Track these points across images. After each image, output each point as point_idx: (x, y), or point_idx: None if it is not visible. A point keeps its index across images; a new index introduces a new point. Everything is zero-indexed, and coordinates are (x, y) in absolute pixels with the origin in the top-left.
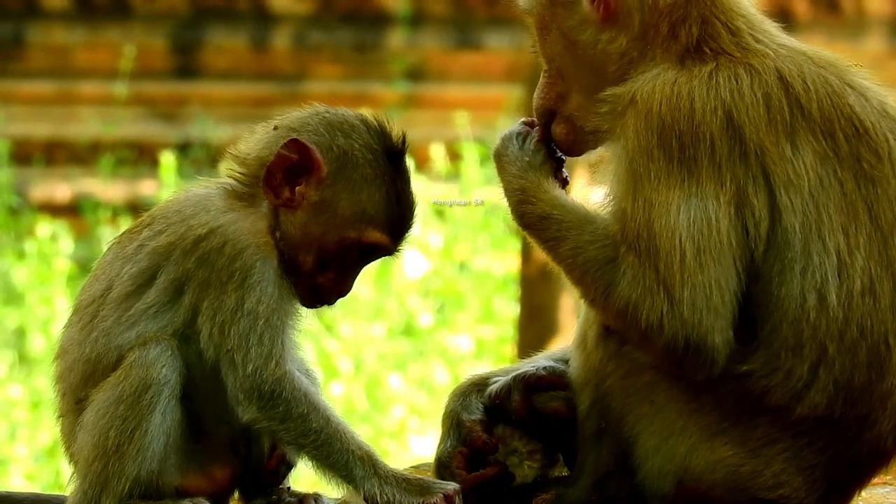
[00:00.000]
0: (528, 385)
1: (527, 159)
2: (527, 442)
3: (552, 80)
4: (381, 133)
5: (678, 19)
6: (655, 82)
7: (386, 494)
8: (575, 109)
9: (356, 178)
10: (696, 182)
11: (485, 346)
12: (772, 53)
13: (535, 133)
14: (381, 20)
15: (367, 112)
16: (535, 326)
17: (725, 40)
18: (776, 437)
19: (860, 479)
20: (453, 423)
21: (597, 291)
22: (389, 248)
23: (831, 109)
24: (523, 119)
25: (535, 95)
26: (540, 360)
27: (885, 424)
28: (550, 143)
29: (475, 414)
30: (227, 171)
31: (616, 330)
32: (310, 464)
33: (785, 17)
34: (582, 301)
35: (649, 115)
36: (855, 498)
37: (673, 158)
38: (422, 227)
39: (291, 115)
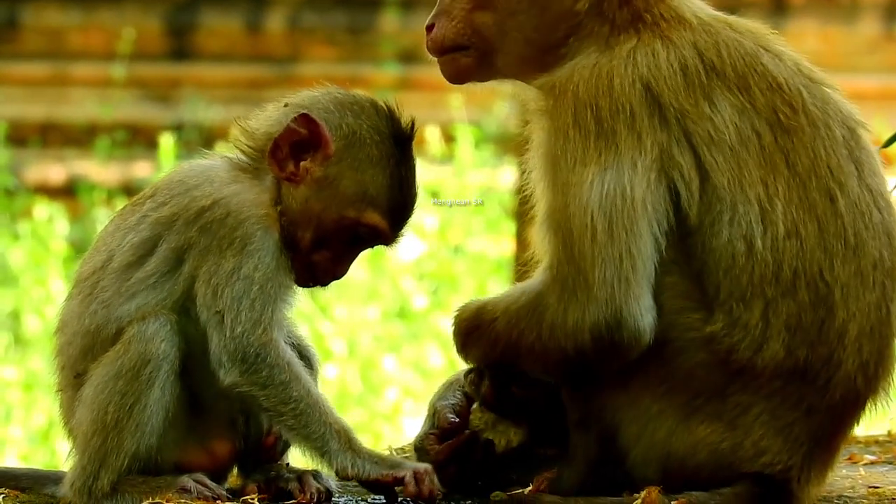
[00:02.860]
0: (501, 370)
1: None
2: None
3: (473, 13)
4: (390, 117)
5: None
6: (574, 69)
7: (357, 467)
8: (497, 54)
9: (362, 158)
10: (614, 152)
11: None
12: (694, 22)
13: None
14: (375, 2)
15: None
16: None
17: (656, 11)
18: (750, 403)
19: (841, 428)
20: (430, 411)
21: (535, 330)
22: (387, 233)
23: (745, 68)
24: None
25: (442, 21)
26: None
27: (849, 363)
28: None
29: (450, 400)
30: (235, 143)
31: (564, 366)
32: (286, 433)
33: (779, 1)
34: (534, 360)
35: (565, 96)
36: (841, 451)
37: (590, 134)
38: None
39: (303, 94)
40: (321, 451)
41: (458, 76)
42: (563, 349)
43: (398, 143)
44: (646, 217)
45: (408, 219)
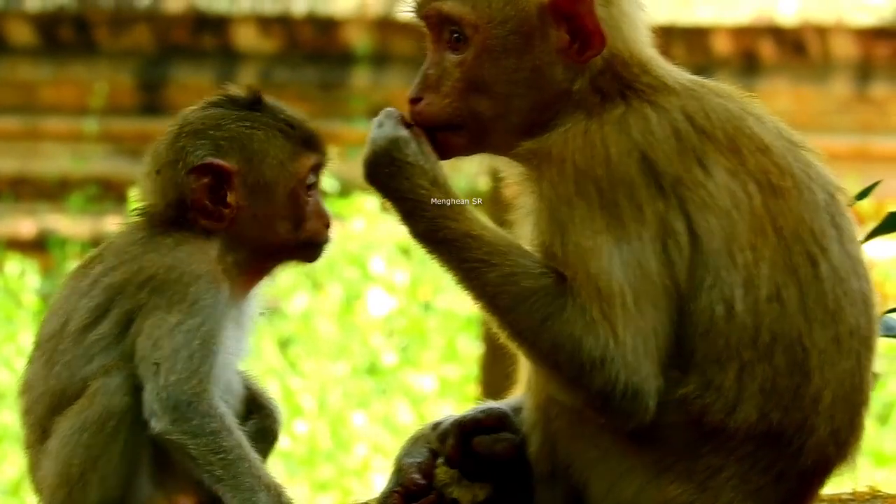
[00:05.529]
0: (465, 429)
1: (433, 174)
2: None
3: (467, 93)
4: (231, 101)
5: (620, 63)
6: (567, 137)
7: None
8: (490, 133)
9: (254, 147)
10: (621, 225)
11: (449, 386)
12: (679, 89)
13: (425, 142)
14: (347, 59)
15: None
16: (499, 366)
17: (644, 81)
18: (721, 465)
19: (809, 493)
20: (396, 467)
21: (530, 322)
22: (323, 161)
23: (734, 131)
24: (396, 114)
25: (430, 97)
26: (486, 404)
27: (822, 429)
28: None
29: (416, 457)
30: (157, 218)
31: (539, 370)
32: (213, 484)
33: (751, 60)
34: (504, 333)
35: (563, 165)
36: None
37: (594, 204)
38: (387, 266)
39: (160, 150)
40: (250, 502)
41: (447, 153)
42: (557, 361)
43: (255, 109)
44: (665, 293)
45: (317, 135)
